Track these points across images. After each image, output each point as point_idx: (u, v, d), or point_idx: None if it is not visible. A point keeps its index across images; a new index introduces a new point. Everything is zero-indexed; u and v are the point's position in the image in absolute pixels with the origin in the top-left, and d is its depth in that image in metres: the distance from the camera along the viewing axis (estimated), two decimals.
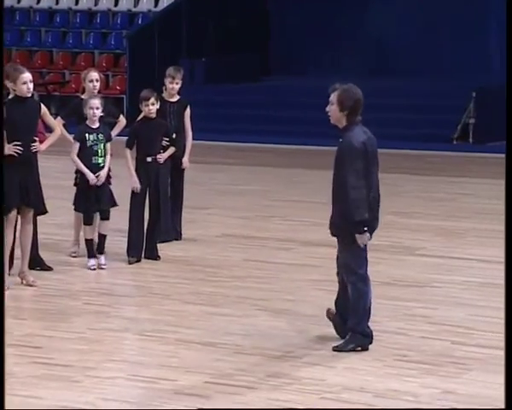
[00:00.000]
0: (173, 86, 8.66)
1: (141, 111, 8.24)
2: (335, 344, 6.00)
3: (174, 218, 8.76)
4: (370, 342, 5.99)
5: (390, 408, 5.13)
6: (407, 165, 13.15)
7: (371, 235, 6.00)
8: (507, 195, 3.68)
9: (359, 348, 5.95)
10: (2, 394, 4.18)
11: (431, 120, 14.60)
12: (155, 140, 8.17)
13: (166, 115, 8.55)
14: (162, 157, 8.18)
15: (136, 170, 8.08)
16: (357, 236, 5.86)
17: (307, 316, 6.65)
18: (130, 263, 8.01)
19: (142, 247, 8.11)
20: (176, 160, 8.61)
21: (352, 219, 5.81)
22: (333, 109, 5.93)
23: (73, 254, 8.20)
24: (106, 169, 7.78)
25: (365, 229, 5.85)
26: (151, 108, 8.07)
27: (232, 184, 11.68)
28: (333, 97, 5.92)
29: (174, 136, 8.34)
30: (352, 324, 5.99)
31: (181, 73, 8.76)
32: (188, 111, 8.75)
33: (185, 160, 8.71)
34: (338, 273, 6.14)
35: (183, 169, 8.74)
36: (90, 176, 7.73)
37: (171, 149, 8.30)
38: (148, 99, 8.07)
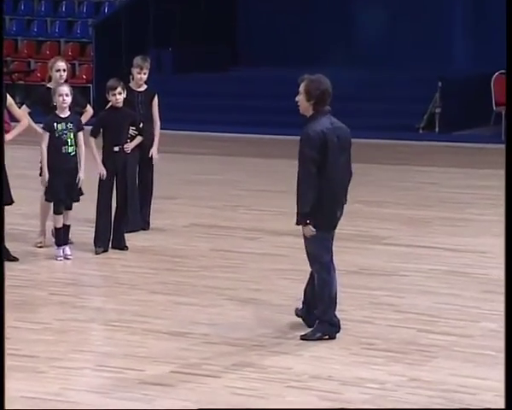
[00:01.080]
0: (141, 76, 8.63)
1: (108, 101, 8.20)
2: (303, 333, 6.02)
3: (143, 208, 8.73)
4: (337, 331, 6.03)
5: None
6: (374, 154, 13.21)
7: (334, 226, 6.01)
8: (507, 190, 3.69)
9: (327, 337, 5.98)
10: (2, 394, 4.15)
11: (397, 109, 14.66)
12: (122, 129, 8.13)
13: (134, 105, 8.51)
14: (129, 146, 8.15)
15: (103, 160, 8.04)
16: (301, 227, 5.88)
17: (274, 305, 6.67)
18: (97, 253, 7.98)
19: (109, 237, 8.08)
20: (144, 150, 8.58)
21: (297, 210, 5.85)
22: (300, 99, 5.98)
23: (39, 245, 8.15)
24: (83, 166, 7.73)
25: (307, 222, 5.87)
26: (118, 97, 8.03)
27: (200, 174, 11.66)
28: (301, 87, 5.97)
29: (141, 125, 8.31)
30: (318, 312, 6.02)
31: (148, 62, 8.73)
32: (155, 100, 8.73)
33: (154, 150, 8.68)
34: None
35: (152, 159, 8.71)
36: (45, 177, 7.68)
37: (139, 139, 8.27)
38: (115, 88, 8.03)
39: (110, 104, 8.15)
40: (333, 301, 6.03)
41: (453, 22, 16.42)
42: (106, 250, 8.04)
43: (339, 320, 6.04)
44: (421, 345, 5.94)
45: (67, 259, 7.81)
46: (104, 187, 8.04)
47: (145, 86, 8.73)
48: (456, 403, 5.09)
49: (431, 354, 5.78)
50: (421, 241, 8.52)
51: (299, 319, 6.21)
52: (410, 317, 6.45)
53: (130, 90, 8.45)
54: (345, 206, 6.15)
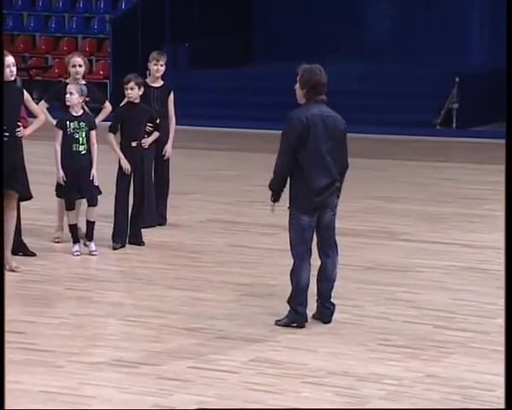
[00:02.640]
0: (158, 68, 8.63)
1: (124, 96, 8.22)
2: (319, 329, 6.04)
3: (159, 203, 8.75)
4: (305, 321, 6.06)
5: None
6: (391, 150, 13.18)
7: (313, 210, 6.03)
8: (507, 185, 3.69)
9: (295, 325, 6.05)
10: (2, 394, 4.18)
11: (414, 105, 14.62)
12: (139, 125, 8.15)
13: (150, 101, 8.53)
14: (146, 142, 8.17)
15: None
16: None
17: None
18: (114, 249, 8.01)
19: (127, 233, 8.10)
20: (160, 146, 8.60)
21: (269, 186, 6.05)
22: (296, 88, 6.08)
23: (57, 240, 8.19)
24: (95, 163, 7.76)
25: (273, 199, 6.08)
26: (130, 92, 8.04)
27: (216, 170, 11.67)
28: (297, 77, 6.06)
29: (158, 121, 8.32)
30: (288, 298, 6.10)
31: (165, 56, 8.75)
32: (171, 97, 8.74)
33: (168, 148, 8.68)
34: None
35: (164, 155, 8.72)
36: (60, 173, 7.71)
37: (155, 134, 8.29)
38: (128, 82, 8.05)
39: (126, 100, 8.17)
40: (302, 291, 6.05)
41: (471, 16, 16.35)
42: (123, 246, 8.06)
43: (306, 313, 6.07)
44: (438, 341, 5.93)
45: (92, 255, 7.83)
46: (122, 183, 8.07)
47: (162, 82, 8.74)
48: (472, 400, 5.08)
49: (447, 351, 5.77)
50: (437, 237, 8.50)
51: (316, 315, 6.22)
52: (427, 313, 6.44)
53: (146, 86, 8.47)
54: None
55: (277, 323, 6.13)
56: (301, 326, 6.08)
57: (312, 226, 6.07)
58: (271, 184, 6.13)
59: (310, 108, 5.97)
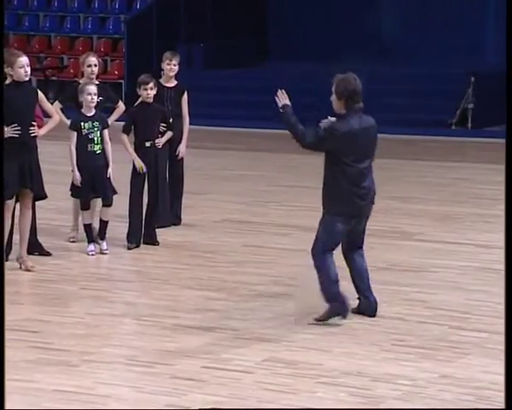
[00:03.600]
0: (171, 67, 8.64)
1: (139, 96, 8.24)
2: (334, 329, 6.04)
3: (174, 203, 8.77)
4: (347, 311, 6.11)
5: None
6: (405, 150, 13.15)
7: (352, 216, 6.12)
8: (507, 182, 3.70)
9: (339, 316, 6.10)
10: (2, 393, 4.19)
11: (429, 105, 14.58)
12: (153, 125, 8.17)
13: (164, 101, 8.54)
14: (160, 142, 8.19)
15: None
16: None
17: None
18: (129, 249, 8.03)
19: (141, 233, 8.12)
20: (174, 145, 8.61)
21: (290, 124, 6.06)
22: (333, 99, 6.15)
23: (72, 240, 8.21)
24: (110, 162, 7.79)
25: (281, 111, 6.08)
26: (149, 92, 8.07)
27: (230, 170, 11.68)
28: (333, 88, 6.14)
29: (171, 120, 8.34)
30: (324, 297, 6.12)
31: (178, 56, 8.76)
32: (185, 97, 8.75)
33: (182, 148, 8.69)
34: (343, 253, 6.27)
35: (178, 156, 8.73)
36: (76, 175, 7.74)
37: (169, 134, 8.30)
38: (147, 83, 8.07)
39: (140, 100, 8.19)
40: (335, 283, 6.10)
41: (487, 16, 16.28)
42: (138, 246, 8.08)
43: (347, 301, 6.12)
44: (453, 342, 5.92)
45: (104, 254, 7.86)
46: (136, 183, 8.09)
47: (175, 82, 8.76)
48: (486, 400, 5.06)
49: (462, 351, 5.76)
50: (452, 237, 8.47)
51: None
52: (442, 313, 6.42)
53: (160, 86, 8.49)
54: (372, 206, 6.23)
55: (317, 320, 6.10)
56: (344, 317, 6.10)
57: (345, 233, 6.15)
58: (289, 123, 6.09)
59: (351, 120, 6.05)
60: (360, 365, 5.52)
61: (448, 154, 12.93)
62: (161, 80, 8.70)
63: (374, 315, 6.24)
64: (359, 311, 6.28)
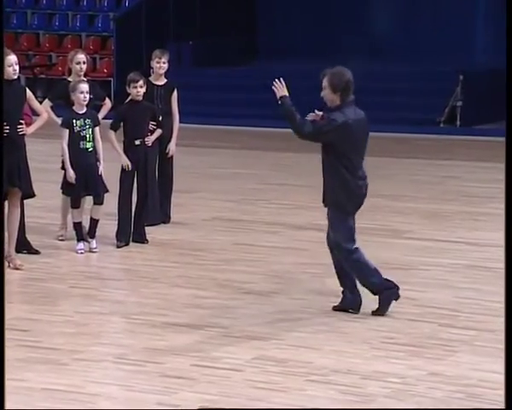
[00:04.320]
0: (160, 65, 8.63)
1: (128, 94, 8.21)
2: (324, 327, 6.06)
3: (163, 201, 8.75)
4: (397, 289, 6.20)
5: None
6: (394, 148, 13.17)
7: (358, 207, 6.19)
8: (507, 180, 3.70)
9: (394, 300, 6.19)
10: (2, 394, 4.18)
11: (418, 103, 14.60)
12: (143, 123, 8.15)
13: (153, 99, 8.53)
14: (150, 140, 8.17)
15: (125, 153, 8.07)
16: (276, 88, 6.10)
17: (295, 299, 6.67)
18: (118, 247, 8.01)
19: (130, 231, 8.10)
20: (163, 143, 8.60)
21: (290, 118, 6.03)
22: (326, 93, 6.15)
23: (61, 238, 8.19)
24: (101, 158, 7.78)
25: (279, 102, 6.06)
26: (139, 90, 8.05)
27: (219, 168, 11.67)
28: (325, 82, 6.15)
29: (161, 118, 8.32)
30: (371, 289, 6.17)
31: (167, 54, 8.75)
32: (175, 94, 8.74)
33: (172, 146, 8.68)
34: (330, 251, 6.32)
35: (168, 153, 8.72)
36: (70, 173, 7.72)
37: (158, 132, 8.29)
38: (137, 81, 8.05)
39: (130, 98, 8.17)
40: (375, 271, 6.18)
41: (475, 14, 16.32)
42: (127, 244, 8.06)
43: (392, 282, 6.19)
44: (442, 339, 5.92)
45: (93, 252, 7.84)
46: (125, 181, 8.07)
47: (165, 80, 8.74)
48: (476, 398, 5.07)
49: (452, 349, 5.77)
50: (441, 235, 8.49)
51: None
52: (431, 311, 6.43)
53: (149, 84, 8.47)
54: (365, 200, 6.26)
55: (380, 313, 6.18)
56: (397, 297, 6.20)
57: (355, 224, 6.24)
58: (288, 114, 6.07)
59: (346, 111, 6.10)
60: (350, 362, 5.52)
61: (437, 152, 12.95)
62: (151, 78, 8.69)
63: (358, 311, 6.24)
64: (343, 307, 6.28)
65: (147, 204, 8.25)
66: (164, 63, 8.65)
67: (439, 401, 5.04)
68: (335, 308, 6.29)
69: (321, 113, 6.18)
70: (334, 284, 6.45)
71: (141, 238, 8.15)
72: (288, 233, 8.58)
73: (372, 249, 7.94)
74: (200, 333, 6.02)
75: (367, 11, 16.58)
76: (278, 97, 6.14)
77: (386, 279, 6.25)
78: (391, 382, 5.26)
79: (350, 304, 6.28)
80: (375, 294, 6.22)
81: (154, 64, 8.69)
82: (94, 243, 7.89)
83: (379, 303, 6.22)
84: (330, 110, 6.14)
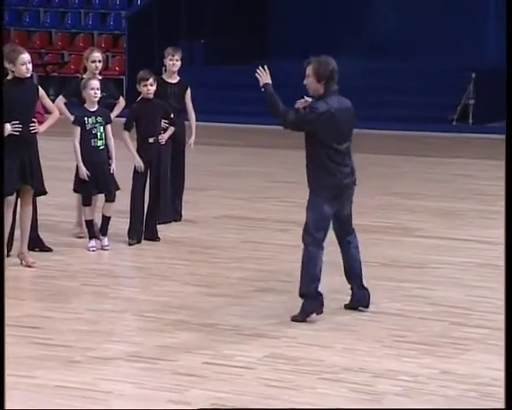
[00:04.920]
0: (173, 62, 8.62)
1: (140, 92, 8.22)
2: (334, 325, 6.05)
3: (175, 199, 8.76)
4: (322, 306, 6.10)
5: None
6: (406, 146, 13.14)
7: (336, 196, 6.08)
8: (507, 179, 3.69)
9: (313, 314, 6.08)
10: (2, 394, 4.19)
11: (430, 101, 14.56)
12: (155, 121, 8.16)
13: (167, 97, 8.52)
14: (163, 138, 8.18)
15: (138, 151, 8.07)
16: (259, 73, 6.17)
17: None
18: (130, 245, 8.02)
19: (142, 228, 8.11)
20: (177, 141, 8.61)
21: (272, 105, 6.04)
22: (310, 81, 6.13)
23: (80, 235, 8.16)
24: (113, 156, 7.79)
25: (263, 89, 6.14)
26: (150, 88, 8.05)
27: (230, 166, 11.67)
28: (308, 70, 6.15)
29: (172, 116, 8.33)
30: (301, 291, 6.12)
31: (180, 51, 8.74)
32: (188, 92, 8.73)
33: (191, 141, 8.68)
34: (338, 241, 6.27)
35: (184, 151, 8.73)
36: (82, 170, 7.73)
37: (171, 129, 8.29)
38: (147, 79, 8.05)
39: (141, 96, 8.18)
40: (316, 278, 6.11)
41: (487, 11, 16.26)
42: (139, 242, 8.08)
43: (322, 296, 6.11)
44: (454, 338, 5.91)
45: (104, 250, 7.85)
46: (138, 179, 8.08)
47: (178, 78, 8.74)
48: (489, 397, 5.06)
49: (464, 347, 5.75)
50: (454, 233, 8.47)
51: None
52: (443, 309, 6.42)
53: (163, 82, 8.47)
54: (351, 192, 6.20)
55: (294, 319, 6.13)
56: (319, 313, 6.08)
57: (331, 216, 6.14)
58: (271, 101, 6.10)
59: (329, 100, 6.07)
60: (361, 361, 5.51)
61: (449, 150, 12.92)
62: (164, 76, 8.69)
63: (367, 307, 6.22)
64: (353, 304, 6.25)
65: (159, 202, 8.25)
66: (177, 61, 8.65)
67: (451, 399, 5.03)
68: (347, 306, 6.28)
69: (310, 99, 6.16)
70: (345, 282, 6.44)
71: (153, 236, 8.16)
72: (298, 231, 8.51)
73: (384, 247, 7.94)
74: (211, 331, 6.02)
75: (377, 9, 16.54)
76: (261, 84, 6.14)
77: (319, 293, 6.13)
78: (402, 380, 5.25)
79: (359, 301, 6.26)
80: (300, 295, 6.13)
81: (167, 62, 8.69)
82: (106, 241, 7.91)
83: (301, 310, 6.10)
84: (314, 99, 6.10)
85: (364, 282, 6.32)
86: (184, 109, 8.69)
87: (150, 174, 8.14)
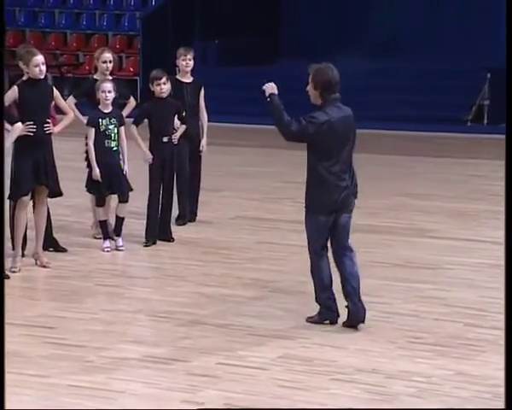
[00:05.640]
0: (186, 62, 8.62)
1: (153, 92, 8.23)
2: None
3: (190, 199, 8.76)
4: (336, 316, 6.06)
5: None
6: (420, 147, 13.11)
7: (331, 211, 6.02)
8: (507, 180, 3.68)
9: (327, 322, 6.05)
10: (2, 394, 4.20)
11: (445, 101, 14.52)
12: (168, 120, 8.16)
13: (182, 96, 8.53)
14: (175, 137, 8.18)
15: (151, 151, 8.07)
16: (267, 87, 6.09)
17: None
18: (145, 246, 8.02)
19: (156, 231, 8.11)
20: (193, 141, 8.61)
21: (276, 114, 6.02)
22: (309, 88, 6.09)
23: (98, 236, 8.14)
24: (126, 158, 7.81)
25: (268, 99, 6.06)
26: (163, 87, 8.06)
27: (244, 166, 11.68)
28: (309, 77, 6.08)
29: (185, 115, 8.32)
30: (316, 297, 6.11)
31: (192, 51, 8.74)
32: (202, 92, 8.74)
33: (204, 143, 8.70)
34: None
35: (200, 151, 8.73)
36: (96, 171, 7.75)
37: (183, 127, 8.29)
38: (161, 78, 8.07)
39: (154, 95, 8.17)
40: (327, 286, 6.07)
41: (502, 11, 16.18)
42: (154, 243, 8.08)
43: (336, 307, 6.07)
44: (469, 339, 5.89)
45: (119, 250, 7.88)
46: (154, 178, 8.08)
47: (191, 78, 8.75)
48: (503, 398, 5.03)
49: (478, 349, 5.74)
50: (468, 234, 8.44)
51: (345, 312, 6.19)
52: (457, 311, 6.40)
53: (177, 82, 8.48)
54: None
55: (309, 320, 6.12)
56: (333, 322, 6.07)
57: (328, 225, 6.06)
58: (275, 111, 6.07)
59: (328, 110, 6.01)
60: (375, 362, 5.50)
61: (464, 150, 12.88)
62: (178, 76, 8.69)
63: (363, 322, 6.01)
64: (349, 321, 6.04)
65: (172, 202, 8.25)
66: (190, 60, 8.65)
67: (465, 400, 5.01)
68: (344, 324, 6.05)
69: (271, 83, 6.07)
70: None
71: (167, 236, 8.17)
72: None
73: (397, 248, 7.93)
74: (225, 332, 6.02)
75: (392, 9, 16.50)
76: (267, 94, 6.09)
77: (334, 300, 6.05)
78: (416, 381, 5.24)
79: (355, 317, 6.02)
80: (317, 302, 6.11)
81: (179, 62, 8.70)
82: (120, 241, 7.93)
83: (318, 313, 6.08)
84: (314, 108, 6.05)
85: (362, 294, 6.10)
86: (198, 109, 8.70)
87: (164, 174, 8.15)
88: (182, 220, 8.58)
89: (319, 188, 6.00)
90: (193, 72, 8.80)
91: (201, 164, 8.81)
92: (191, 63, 8.66)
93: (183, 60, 8.64)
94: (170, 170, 8.14)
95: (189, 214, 8.72)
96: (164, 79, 8.07)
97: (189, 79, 8.72)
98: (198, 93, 8.69)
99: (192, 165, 8.70)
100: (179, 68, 8.74)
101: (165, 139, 8.09)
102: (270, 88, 6.09)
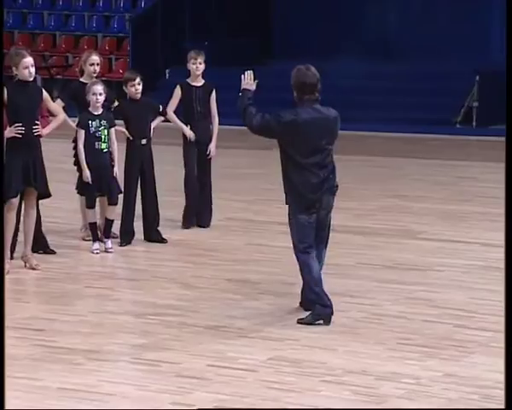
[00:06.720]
0: (197, 66, 8.53)
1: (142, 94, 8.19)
2: (334, 327, 6.04)
3: (205, 211, 8.64)
4: (331, 313, 6.05)
5: None
6: (409, 148, 13.14)
7: (311, 210, 6.03)
8: (507, 181, 3.69)
9: (321, 320, 6.04)
10: (2, 394, 4.19)
11: (434, 103, 14.57)
12: (145, 121, 8.11)
13: (192, 101, 8.49)
14: (152, 127, 8.08)
15: (128, 154, 8.00)
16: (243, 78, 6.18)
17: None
18: (121, 246, 7.97)
19: (133, 231, 8.04)
20: (202, 146, 8.57)
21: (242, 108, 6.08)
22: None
23: (87, 238, 8.14)
24: (116, 160, 7.80)
25: (240, 92, 6.15)
26: (137, 87, 8.03)
27: (233, 168, 11.68)
28: None
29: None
30: (306, 296, 6.11)
31: (202, 54, 8.64)
32: (213, 95, 8.66)
33: (213, 148, 8.64)
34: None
35: (209, 154, 8.67)
36: (86, 173, 7.74)
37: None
38: (134, 79, 8.03)
39: (128, 97, 8.09)
40: (317, 283, 6.05)
41: (492, 14, 16.25)
42: (129, 243, 8.03)
43: (331, 301, 6.05)
44: (457, 341, 5.91)
45: (108, 252, 7.87)
46: (130, 181, 8.03)
47: (202, 81, 8.66)
48: (492, 399, 5.05)
49: (467, 350, 5.75)
50: (457, 236, 8.46)
51: (335, 314, 6.20)
52: (446, 312, 6.41)
53: (188, 86, 8.44)
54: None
55: (300, 321, 6.09)
56: (327, 320, 6.04)
57: (311, 224, 6.08)
58: (242, 102, 6.20)
59: (300, 110, 6.03)
60: (364, 363, 5.51)
61: (453, 152, 12.92)
62: (188, 80, 8.61)
63: (329, 321, 6.04)
64: (308, 320, 6.06)
65: (157, 204, 8.18)
66: (200, 64, 8.57)
67: (454, 402, 5.02)
68: (299, 321, 6.05)
69: (251, 80, 6.10)
70: (348, 284, 6.44)
71: (157, 238, 8.15)
72: None
73: (387, 250, 7.94)
74: (214, 333, 6.02)
75: (382, 11, 16.54)
76: (241, 88, 6.14)
77: (327, 296, 6.07)
78: (405, 383, 5.25)
79: (319, 315, 6.05)
80: (309, 301, 6.08)
81: (190, 66, 8.59)
82: (109, 243, 7.92)
83: (309, 314, 6.06)
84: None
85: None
86: (209, 112, 8.65)
87: (144, 176, 8.08)
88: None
89: (290, 187, 6.04)
90: (203, 74, 8.67)
91: (211, 170, 8.68)
92: (202, 67, 8.57)
93: (194, 63, 8.56)
94: (149, 172, 8.08)
95: (206, 223, 8.56)
96: (138, 80, 8.03)
97: (199, 82, 8.62)
98: (209, 97, 8.60)
99: (201, 171, 8.62)
100: (189, 72, 8.65)
101: (143, 142, 8.06)
102: (246, 83, 6.12)
